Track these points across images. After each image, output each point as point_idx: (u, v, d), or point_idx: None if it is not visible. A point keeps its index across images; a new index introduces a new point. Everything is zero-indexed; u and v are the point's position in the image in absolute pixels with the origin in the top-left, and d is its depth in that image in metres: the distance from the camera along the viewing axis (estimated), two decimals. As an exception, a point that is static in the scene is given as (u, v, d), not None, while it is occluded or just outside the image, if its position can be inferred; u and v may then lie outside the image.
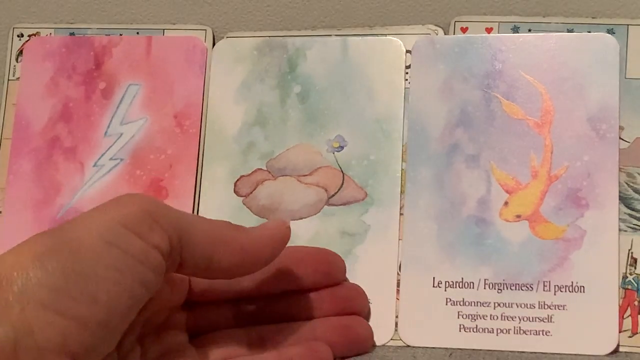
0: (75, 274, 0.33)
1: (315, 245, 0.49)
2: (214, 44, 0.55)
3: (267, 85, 0.53)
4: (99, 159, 0.53)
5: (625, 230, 0.48)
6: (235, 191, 0.52)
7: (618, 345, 0.46)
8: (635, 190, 0.49)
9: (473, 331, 0.47)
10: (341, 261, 0.46)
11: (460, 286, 0.48)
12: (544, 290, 0.47)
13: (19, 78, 0.55)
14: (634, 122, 0.49)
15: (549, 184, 0.49)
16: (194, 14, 0.56)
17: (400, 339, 0.48)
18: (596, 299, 0.47)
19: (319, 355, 0.42)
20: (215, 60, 0.54)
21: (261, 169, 0.52)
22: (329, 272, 0.45)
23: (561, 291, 0.47)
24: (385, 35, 0.53)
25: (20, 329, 0.31)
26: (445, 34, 0.53)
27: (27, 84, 0.55)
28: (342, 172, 0.51)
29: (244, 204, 0.51)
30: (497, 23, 0.52)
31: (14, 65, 0.56)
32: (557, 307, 0.47)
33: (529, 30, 0.52)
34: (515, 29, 0.52)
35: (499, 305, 0.47)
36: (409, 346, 0.47)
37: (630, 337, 0.47)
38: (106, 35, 0.55)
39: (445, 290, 0.48)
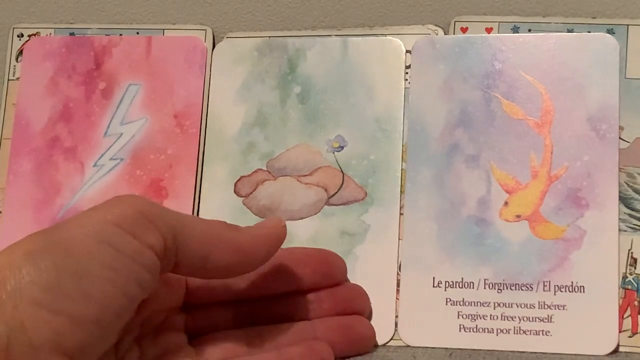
0: (68, 272, 0.33)
1: (315, 245, 0.49)
2: (214, 44, 0.55)
3: (267, 86, 0.53)
4: (99, 159, 0.53)
5: (625, 230, 0.48)
6: (235, 191, 0.52)
7: (618, 345, 0.46)
8: (635, 190, 0.49)
9: (473, 331, 0.47)
10: (341, 262, 0.46)
11: (460, 286, 0.48)
12: (544, 290, 0.47)
13: (19, 78, 0.55)
14: (634, 122, 0.49)
15: (549, 184, 0.49)
16: (194, 14, 0.56)
17: (400, 339, 0.48)
18: (596, 299, 0.47)
19: (319, 355, 0.42)
20: (216, 61, 0.54)
21: (261, 169, 0.52)
22: (329, 273, 0.45)
23: (561, 291, 0.47)
24: (385, 35, 0.53)
25: (14, 327, 0.31)
26: (445, 34, 0.53)
27: (27, 84, 0.55)
28: (342, 172, 0.51)
29: (244, 204, 0.51)
30: (497, 23, 0.52)
31: (14, 65, 0.56)
32: (557, 307, 0.47)
33: (529, 30, 0.52)
34: (515, 29, 0.52)
35: (499, 305, 0.47)
36: (409, 346, 0.47)
37: (630, 337, 0.47)
38: (106, 35, 0.55)
39: (445, 290, 0.48)
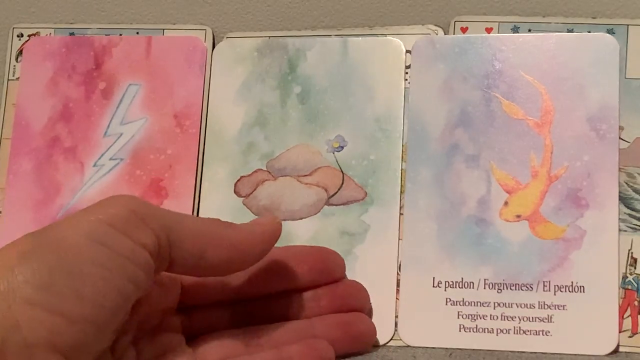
0: (61, 271, 0.33)
1: (316, 245, 0.49)
2: (214, 44, 0.55)
3: (267, 86, 0.53)
4: (99, 159, 0.53)
5: (625, 230, 0.48)
6: (235, 191, 0.52)
7: (618, 345, 0.46)
8: (635, 190, 0.49)
9: (473, 331, 0.47)
10: (339, 259, 0.46)
11: (460, 286, 0.48)
12: (544, 290, 0.47)
13: (19, 78, 0.55)
14: (634, 122, 0.49)
15: (549, 184, 0.49)
16: (194, 14, 0.56)
17: (400, 339, 0.48)
18: (596, 299, 0.47)
19: (319, 353, 0.42)
20: (216, 61, 0.54)
21: (261, 169, 0.52)
22: (326, 270, 0.45)
23: (561, 291, 0.47)
24: (385, 35, 0.53)
25: (8, 326, 0.31)
26: (445, 34, 0.53)
27: (27, 84, 0.55)
28: (342, 172, 0.51)
29: (244, 204, 0.51)
30: (497, 23, 0.52)
31: (14, 65, 0.56)
32: (557, 307, 0.47)
33: (529, 30, 0.52)
34: (515, 29, 0.52)
35: (499, 305, 0.47)
36: (409, 346, 0.47)
37: (630, 337, 0.47)
38: (106, 35, 0.55)
39: (445, 290, 0.48)
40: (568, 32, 0.51)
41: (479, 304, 0.48)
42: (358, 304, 0.46)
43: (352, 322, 0.45)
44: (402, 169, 0.50)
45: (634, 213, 0.48)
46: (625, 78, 0.50)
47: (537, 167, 0.49)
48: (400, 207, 0.50)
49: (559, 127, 0.49)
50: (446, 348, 0.47)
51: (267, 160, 0.52)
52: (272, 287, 0.44)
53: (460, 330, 0.47)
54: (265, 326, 0.43)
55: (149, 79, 0.54)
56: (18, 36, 0.56)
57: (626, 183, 0.49)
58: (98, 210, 0.36)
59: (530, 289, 0.47)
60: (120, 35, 0.55)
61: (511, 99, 0.50)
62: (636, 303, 0.47)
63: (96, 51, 0.55)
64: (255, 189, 0.51)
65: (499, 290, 0.48)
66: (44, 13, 0.57)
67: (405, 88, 0.52)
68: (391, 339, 0.48)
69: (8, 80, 0.56)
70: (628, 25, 0.51)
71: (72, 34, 0.56)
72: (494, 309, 0.47)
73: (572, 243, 0.48)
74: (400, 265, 0.49)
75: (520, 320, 0.47)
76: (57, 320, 0.32)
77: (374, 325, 0.46)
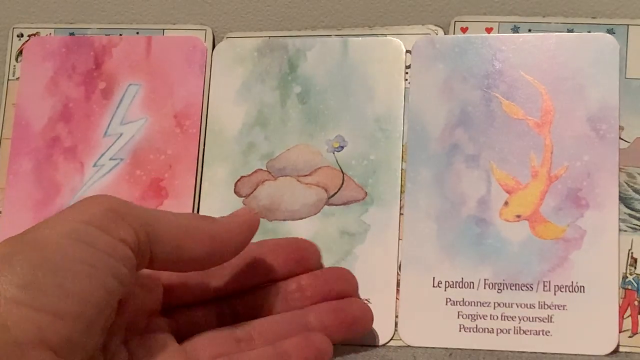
0: (43, 269, 0.33)
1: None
2: (214, 44, 0.55)
3: (267, 86, 0.53)
4: (99, 159, 0.53)
5: (625, 230, 0.48)
6: (235, 191, 0.52)
7: (618, 345, 0.46)
8: (635, 190, 0.49)
9: (473, 331, 0.47)
10: (314, 248, 0.46)
11: (460, 286, 0.48)
12: (544, 290, 0.47)
13: (18, 78, 0.55)
14: (634, 122, 0.49)
15: (549, 184, 0.49)
16: (194, 14, 0.56)
17: (400, 339, 0.48)
18: (596, 299, 0.47)
19: (316, 345, 0.42)
20: (216, 61, 0.54)
21: (261, 169, 0.52)
22: (301, 260, 0.45)
23: (561, 291, 0.47)
24: (385, 35, 0.53)
25: None
26: (445, 34, 0.53)
27: (27, 84, 0.55)
28: (342, 172, 0.51)
29: (244, 204, 0.51)
30: (497, 23, 0.52)
31: (14, 65, 0.56)
32: (557, 307, 0.47)
33: (529, 30, 0.52)
34: (515, 29, 0.52)
35: (499, 305, 0.47)
36: (409, 346, 0.47)
37: (630, 337, 0.47)
38: (106, 35, 0.55)
39: (445, 290, 0.48)
40: (568, 32, 0.51)
41: (479, 304, 0.48)
42: (346, 288, 0.45)
43: (344, 308, 0.44)
44: (402, 169, 0.50)
45: (634, 213, 0.48)
46: (625, 78, 0.50)
47: (537, 167, 0.49)
48: (401, 207, 0.50)
49: (559, 127, 0.49)
50: (446, 348, 0.47)
51: (267, 160, 0.52)
52: (250, 282, 0.44)
53: (460, 330, 0.47)
54: (255, 321, 0.43)
55: (149, 79, 0.54)
56: (18, 36, 0.56)
57: (626, 183, 0.49)
58: (76, 210, 0.36)
59: (530, 289, 0.47)
60: (120, 35, 0.55)
61: (511, 99, 0.50)
62: (636, 303, 0.47)
63: (96, 51, 0.55)
64: (255, 189, 0.51)
65: (499, 290, 0.48)
66: (44, 13, 0.57)
67: (405, 88, 0.52)
68: (391, 339, 0.48)
69: (8, 80, 0.56)
70: (628, 25, 0.51)
71: (72, 34, 0.56)
72: (494, 309, 0.47)
73: (572, 243, 0.48)
74: (400, 265, 0.49)
75: (520, 320, 0.47)
76: (44, 317, 0.32)
77: (369, 308, 0.45)
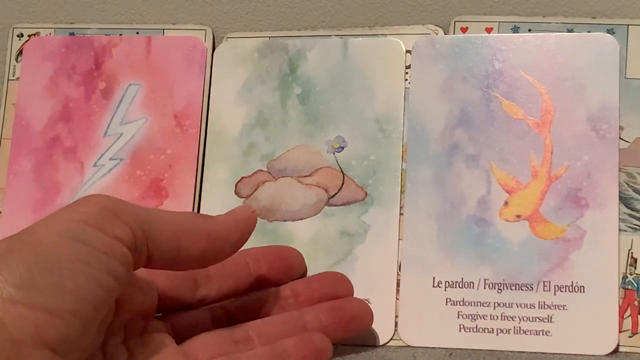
0: (39, 267, 0.33)
1: (316, 245, 0.49)
2: (214, 44, 0.55)
3: (267, 87, 0.53)
4: (99, 159, 0.53)
5: (625, 230, 0.48)
6: (236, 192, 0.52)
7: (618, 345, 0.46)
8: (635, 190, 0.49)
9: (473, 331, 0.47)
10: (298, 255, 0.47)
11: (460, 286, 0.48)
12: (544, 290, 0.47)
13: (19, 78, 0.55)
14: (634, 122, 0.49)
15: (549, 184, 0.49)
16: (194, 14, 0.56)
17: (400, 339, 0.48)
18: (596, 299, 0.47)
19: (315, 344, 0.42)
20: (217, 62, 0.54)
21: (262, 170, 0.52)
22: (284, 268, 0.46)
23: (561, 291, 0.47)
24: (385, 35, 0.53)
25: None
26: (445, 34, 0.53)
27: (27, 84, 0.55)
28: (342, 172, 0.51)
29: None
30: (497, 23, 0.52)
31: (14, 65, 0.56)
32: (557, 307, 0.47)
33: (529, 30, 0.52)
34: (515, 29, 0.52)
35: (499, 305, 0.47)
36: (409, 346, 0.48)
37: (630, 337, 0.47)
38: (106, 35, 0.55)
39: (445, 290, 0.48)
40: (568, 32, 0.51)
41: (479, 304, 0.48)
42: (340, 292, 0.45)
43: (343, 307, 0.44)
44: (402, 169, 0.50)
45: (634, 213, 0.48)
46: (625, 78, 0.50)
47: (537, 167, 0.49)
48: (401, 207, 0.50)
49: (559, 127, 0.49)
50: (446, 348, 0.47)
51: (268, 161, 0.52)
52: (235, 290, 0.44)
53: (460, 330, 0.47)
54: (254, 321, 0.43)
55: (149, 79, 0.54)
56: (18, 36, 0.56)
57: (626, 183, 0.49)
58: (71, 209, 0.36)
59: (530, 289, 0.47)
60: (120, 35, 0.55)
61: (511, 99, 0.50)
62: (636, 303, 0.47)
63: (96, 51, 0.55)
64: (255, 190, 0.51)
65: (499, 290, 0.48)
66: (44, 13, 0.57)
67: (405, 88, 0.52)
68: (391, 339, 0.48)
69: (8, 80, 0.56)
70: (628, 25, 0.51)
71: (72, 34, 0.56)
72: (494, 309, 0.47)
73: (572, 243, 0.48)
74: (400, 265, 0.49)
75: (520, 320, 0.47)
76: (41, 315, 0.32)
77: (368, 307, 0.45)
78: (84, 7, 0.57)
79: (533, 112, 0.50)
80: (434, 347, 0.47)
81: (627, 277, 0.48)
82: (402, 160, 0.51)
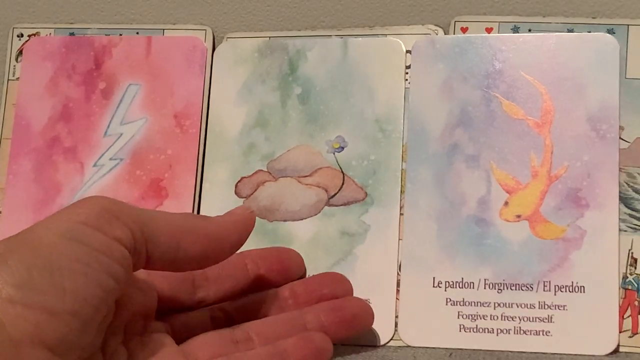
0: (38, 268, 0.33)
1: (316, 245, 0.49)
2: (214, 44, 0.55)
3: (268, 87, 0.53)
4: (99, 159, 0.53)
5: (625, 230, 0.48)
6: (236, 192, 0.52)
7: (618, 346, 0.46)
8: (635, 190, 0.49)
9: (473, 331, 0.47)
10: (297, 257, 0.47)
11: (460, 286, 0.48)
12: (544, 290, 0.47)
13: (18, 78, 0.55)
14: (634, 122, 0.49)
15: (549, 184, 0.49)
16: (194, 14, 0.56)
17: (400, 339, 0.48)
18: (596, 299, 0.47)
19: (315, 343, 0.42)
20: (217, 62, 0.54)
21: (262, 170, 0.52)
22: (283, 270, 0.46)
23: (561, 291, 0.47)
24: (385, 35, 0.53)
25: None
26: (445, 34, 0.53)
27: (27, 84, 0.55)
28: (342, 172, 0.51)
29: (245, 205, 0.51)
30: (497, 23, 0.52)
31: (14, 65, 0.56)
32: (557, 307, 0.47)
33: (529, 30, 0.52)
34: (515, 29, 0.52)
35: (499, 305, 0.47)
36: (409, 346, 0.48)
37: (630, 337, 0.47)
38: (106, 35, 0.55)
39: (445, 290, 0.48)
40: (568, 32, 0.51)
41: (479, 304, 0.48)
42: (339, 292, 0.45)
43: (343, 306, 0.44)
44: (402, 169, 0.50)
45: (634, 213, 0.48)
46: (625, 78, 0.50)
47: (537, 167, 0.49)
48: (401, 207, 0.50)
49: (559, 127, 0.49)
50: (446, 348, 0.47)
51: (268, 161, 0.52)
52: (233, 292, 0.44)
53: (460, 330, 0.47)
54: (254, 322, 0.43)
55: (149, 79, 0.54)
56: (18, 36, 0.56)
57: (626, 183, 0.49)
58: (70, 211, 0.36)
59: (531, 289, 0.47)
60: (120, 35, 0.55)
61: (511, 99, 0.50)
62: (636, 303, 0.47)
63: (96, 51, 0.55)
64: (255, 190, 0.51)
65: (499, 291, 0.48)
66: (44, 13, 0.57)
67: (405, 88, 0.52)
68: (391, 339, 0.48)
69: (8, 80, 0.56)
70: (628, 25, 0.51)
71: (72, 34, 0.56)
72: (494, 309, 0.47)
73: (572, 243, 0.48)
74: (400, 265, 0.49)
75: (520, 320, 0.47)
76: (40, 315, 0.32)
77: (368, 306, 0.45)
78: (84, 7, 0.57)
79: (533, 112, 0.50)
80: (434, 347, 0.47)
81: (627, 277, 0.48)
82: (402, 160, 0.51)
